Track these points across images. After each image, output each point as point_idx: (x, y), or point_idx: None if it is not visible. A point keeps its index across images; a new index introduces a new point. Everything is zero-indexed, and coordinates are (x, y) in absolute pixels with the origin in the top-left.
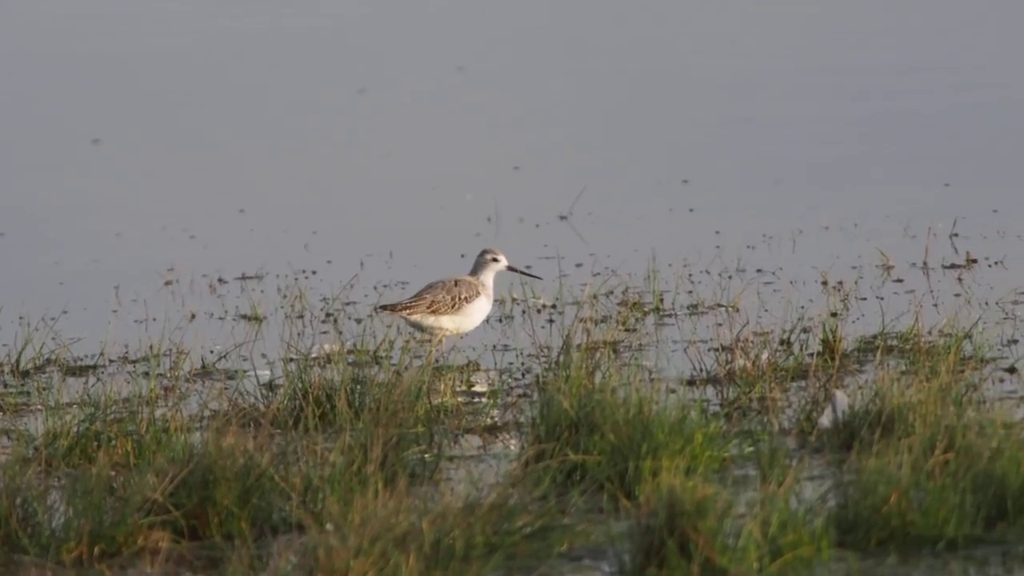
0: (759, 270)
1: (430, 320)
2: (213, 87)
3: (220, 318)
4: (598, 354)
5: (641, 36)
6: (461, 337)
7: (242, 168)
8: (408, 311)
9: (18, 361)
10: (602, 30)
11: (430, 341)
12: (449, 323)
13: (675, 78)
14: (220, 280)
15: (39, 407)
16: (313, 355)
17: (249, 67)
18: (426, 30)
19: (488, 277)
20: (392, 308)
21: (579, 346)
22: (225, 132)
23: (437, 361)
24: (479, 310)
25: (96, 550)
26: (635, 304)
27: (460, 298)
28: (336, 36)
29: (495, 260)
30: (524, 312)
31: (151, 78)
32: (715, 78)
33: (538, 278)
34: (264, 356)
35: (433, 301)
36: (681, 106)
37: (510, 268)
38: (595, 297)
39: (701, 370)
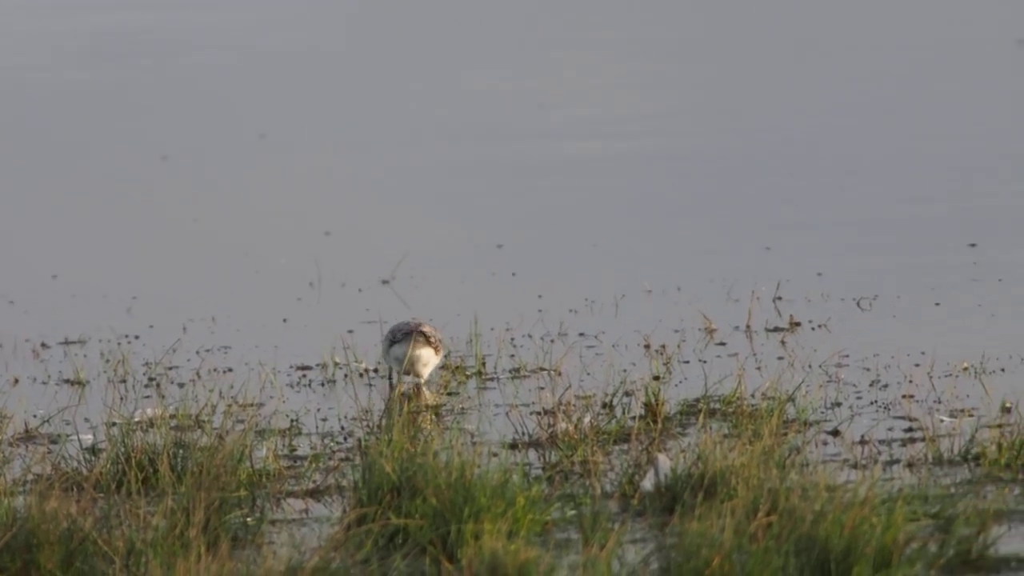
0: (581, 334)
1: (434, 357)
2: (18, 146)
3: (43, 383)
4: (420, 418)
5: (447, 99)
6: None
7: (49, 232)
8: (439, 350)
9: None
10: (409, 91)
11: (414, 383)
12: (436, 361)
13: (483, 141)
14: (43, 345)
15: None
16: (136, 419)
17: (52, 129)
18: (227, 97)
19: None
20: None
21: (401, 410)
22: (28, 195)
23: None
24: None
25: None
26: (457, 368)
27: (439, 340)
28: (139, 101)
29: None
30: (347, 376)
31: None
32: (524, 140)
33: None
34: (87, 420)
35: (439, 339)
36: (492, 169)
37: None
38: None
39: (523, 433)
